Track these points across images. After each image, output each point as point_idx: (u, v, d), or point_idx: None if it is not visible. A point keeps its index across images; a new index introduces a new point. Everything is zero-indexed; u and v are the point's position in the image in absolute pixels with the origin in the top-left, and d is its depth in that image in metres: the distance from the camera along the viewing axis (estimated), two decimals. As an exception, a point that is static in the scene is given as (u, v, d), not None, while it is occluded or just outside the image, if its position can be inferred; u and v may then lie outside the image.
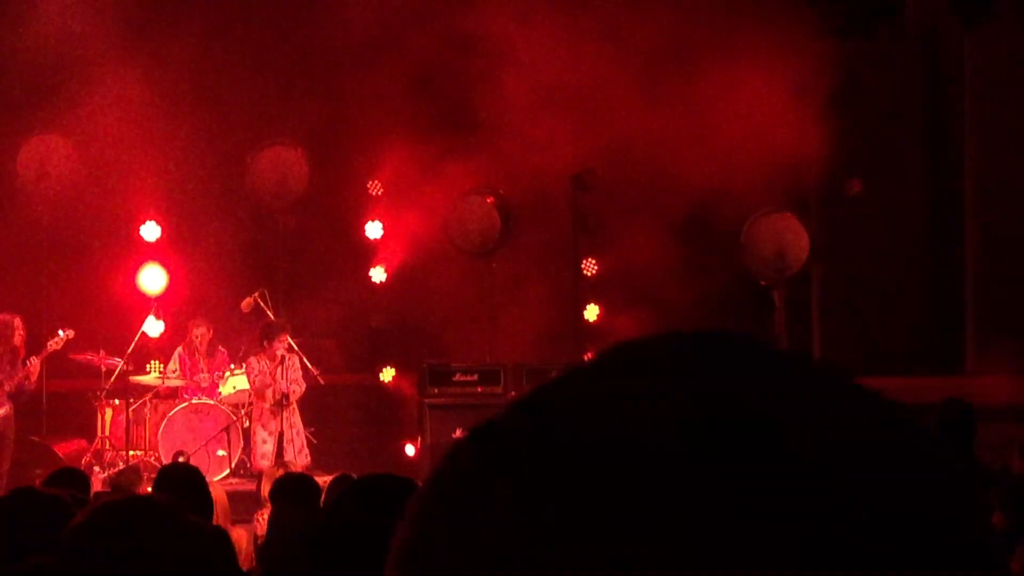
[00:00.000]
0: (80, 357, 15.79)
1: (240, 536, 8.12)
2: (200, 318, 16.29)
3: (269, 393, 14.69)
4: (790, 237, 17.76)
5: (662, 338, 0.89)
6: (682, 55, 17.93)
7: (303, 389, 14.93)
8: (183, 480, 6.91)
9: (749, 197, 18.05)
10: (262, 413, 14.83)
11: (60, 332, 15.35)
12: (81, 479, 8.13)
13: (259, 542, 8.71)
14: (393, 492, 2.90)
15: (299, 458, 14.30)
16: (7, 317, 14.87)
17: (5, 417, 14.60)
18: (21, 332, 14.82)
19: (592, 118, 18.54)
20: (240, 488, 13.51)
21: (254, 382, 14.93)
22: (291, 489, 6.97)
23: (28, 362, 14.83)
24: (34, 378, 14.97)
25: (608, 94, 18.60)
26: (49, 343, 15.24)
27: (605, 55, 18.36)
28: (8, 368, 14.68)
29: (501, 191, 18.37)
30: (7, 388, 14.59)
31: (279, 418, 14.49)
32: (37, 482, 15.21)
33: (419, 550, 0.84)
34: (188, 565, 2.76)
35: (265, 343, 14.78)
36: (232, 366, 15.91)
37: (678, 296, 17.56)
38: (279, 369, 14.63)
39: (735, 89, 18.11)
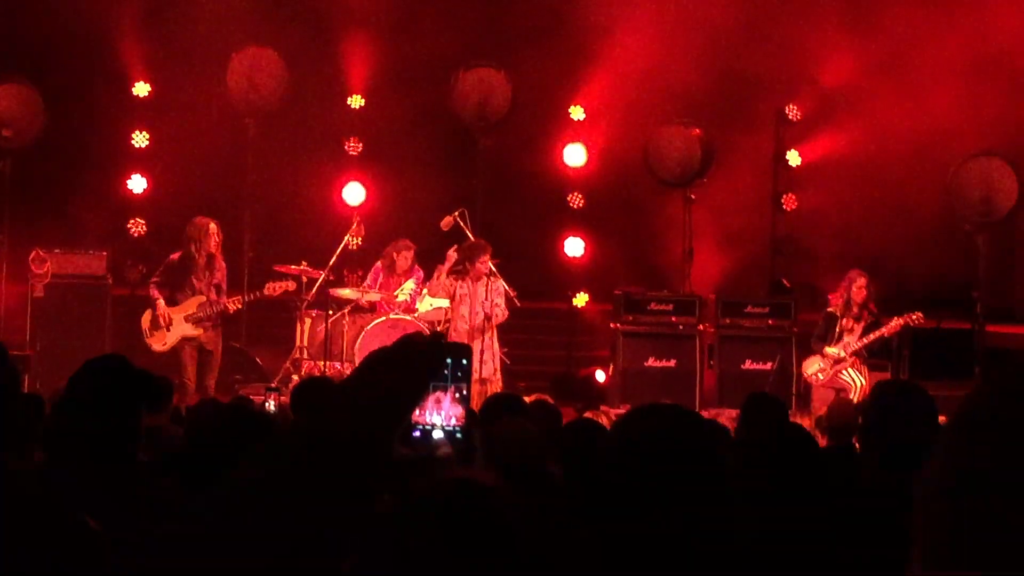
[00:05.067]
0: (283, 268, 16.03)
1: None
2: (405, 239, 16.34)
3: (466, 312, 14.73)
4: (998, 181, 17.35)
5: None
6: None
7: (506, 315, 14.89)
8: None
9: (956, 140, 17.72)
10: (458, 333, 14.88)
11: (285, 280, 15.30)
12: None
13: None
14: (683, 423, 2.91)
15: (493, 379, 14.39)
16: (203, 220, 14.83)
17: (199, 337, 14.79)
18: (217, 238, 14.83)
19: (797, 55, 18.34)
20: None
21: (446, 295, 14.93)
22: (504, 405, 7.04)
23: (231, 301, 14.88)
24: (232, 310, 15.08)
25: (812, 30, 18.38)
26: (268, 287, 15.24)
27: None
28: (206, 275, 14.74)
29: (703, 122, 18.23)
30: (212, 303, 14.68)
31: (477, 339, 14.53)
32: (236, 387, 15.67)
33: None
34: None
35: (467, 264, 14.79)
36: (412, 288, 16.01)
37: (878, 237, 17.33)
38: (483, 290, 14.66)
39: (945, 30, 17.78)
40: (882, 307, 14.76)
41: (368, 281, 16.24)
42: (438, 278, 14.92)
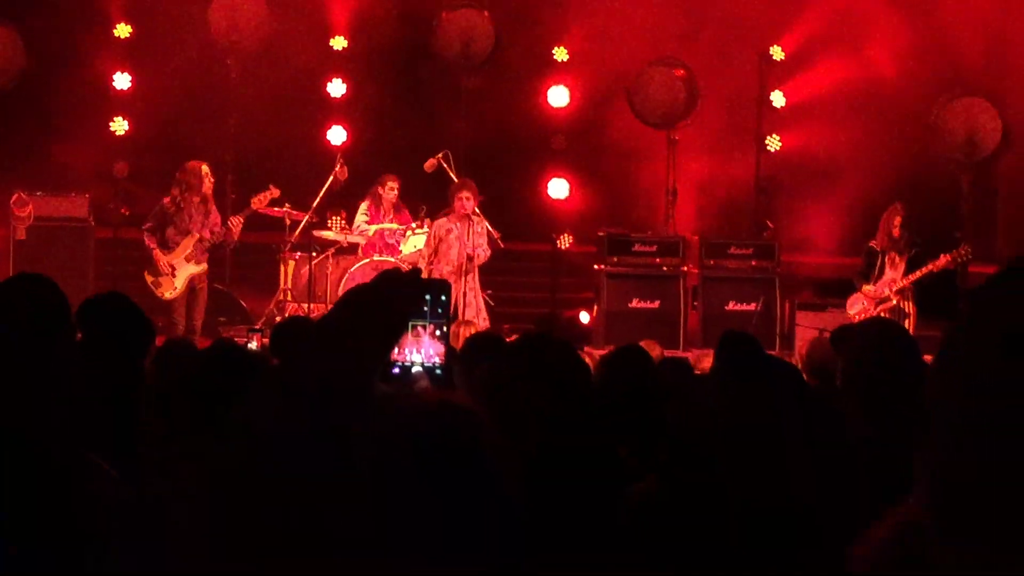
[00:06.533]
0: (266, 211, 15.98)
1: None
2: (389, 173, 16.35)
3: (454, 254, 14.70)
4: (981, 121, 17.36)
5: None
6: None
7: (488, 255, 14.87)
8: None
9: (939, 79, 17.71)
10: (442, 274, 14.83)
11: (270, 188, 15.24)
12: None
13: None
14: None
15: (478, 319, 14.35)
16: (195, 164, 14.72)
17: (201, 274, 14.66)
18: (210, 179, 14.75)
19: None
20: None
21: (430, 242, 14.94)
22: (483, 345, 7.02)
23: (231, 222, 14.73)
24: (237, 236, 14.91)
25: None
26: (254, 200, 15.19)
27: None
28: (201, 218, 14.63)
29: (687, 63, 18.19)
30: (205, 240, 14.53)
31: (460, 280, 14.51)
32: (220, 328, 15.64)
33: None
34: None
35: (452, 200, 14.79)
36: (414, 225, 16.01)
37: (862, 177, 17.33)
38: (467, 230, 14.62)
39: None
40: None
41: (363, 218, 16.21)
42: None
